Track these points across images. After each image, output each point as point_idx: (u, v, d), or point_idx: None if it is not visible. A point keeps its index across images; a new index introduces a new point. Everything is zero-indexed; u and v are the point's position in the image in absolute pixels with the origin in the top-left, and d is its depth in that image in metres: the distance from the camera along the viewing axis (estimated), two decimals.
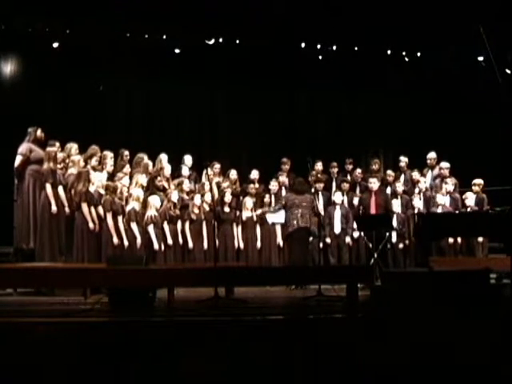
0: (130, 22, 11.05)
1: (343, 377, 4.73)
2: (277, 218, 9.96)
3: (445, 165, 10.44)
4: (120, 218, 8.74)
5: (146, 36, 11.44)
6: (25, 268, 7.50)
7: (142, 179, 9.34)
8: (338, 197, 10.33)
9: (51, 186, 8.66)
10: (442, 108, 12.27)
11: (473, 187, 10.19)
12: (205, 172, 9.75)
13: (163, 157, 9.91)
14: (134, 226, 8.82)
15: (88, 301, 7.11)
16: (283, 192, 10.41)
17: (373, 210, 9.96)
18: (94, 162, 9.13)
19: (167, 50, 11.65)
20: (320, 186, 10.43)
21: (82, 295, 7.44)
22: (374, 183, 10.12)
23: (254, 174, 10.66)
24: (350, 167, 11.18)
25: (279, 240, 10.14)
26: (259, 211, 10.15)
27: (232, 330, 5.16)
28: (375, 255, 8.98)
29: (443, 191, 10.15)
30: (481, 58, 11.79)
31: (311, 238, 9.69)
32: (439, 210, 9.88)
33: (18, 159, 9.04)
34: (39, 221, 8.70)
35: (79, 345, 4.82)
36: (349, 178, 10.98)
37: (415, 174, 10.56)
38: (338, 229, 10.22)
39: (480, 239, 9.76)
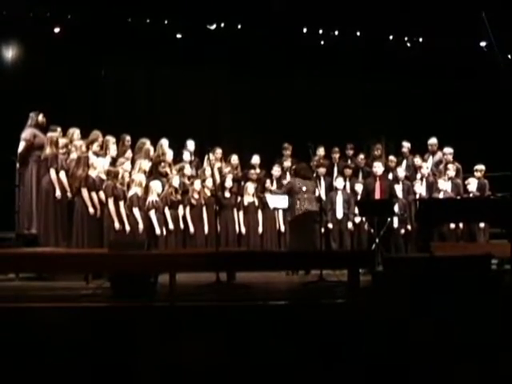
0: (131, 7, 11.01)
1: (344, 362, 4.75)
2: (279, 203, 9.88)
3: (448, 150, 10.39)
4: (121, 204, 8.75)
5: (148, 21, 11.40)
6: (27, 253, 7.51)
7: (145, 164, 9.33)
8: (339, 182, 10.31)
9: (55, 171, 8.67)
10: (444, 94, 12.22)
11: (474, 173, 10.15)
12: (206, 157, 9.74)
13: (164, 142, 9.88)
14: (136, 211, 8.82)
15: (90, 286, 7.14)
16: (288, 177, 10.34)
17: (378, 195, 9.94)
18: (95, 147, 9.10)
19: (169, 34, 11.62)
20: (322, 171, 10.42)
21: (83, 280, 7.46)
22: (379, 167, 10.09)
23: (255, 159, 10.65)
24: (350, 152, 11.10)
25: (281, 225, 10.15)
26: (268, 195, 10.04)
27: (233, 315, 5.18)
28: (377, 240, 9.00)
29: (446, 177, 10.13)
30: (483, 44, 11.73)
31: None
32: (441, 196, 9.87)
33: (22, 145, 8.99)
34: (43, 206, 8.68)
35: (81, 330, 4.84)
36: (349, 163, 10.94)
37: (417, 160, 10.54)
38: (340, 214, 10.20)
39: (481, 225, 9.73)
